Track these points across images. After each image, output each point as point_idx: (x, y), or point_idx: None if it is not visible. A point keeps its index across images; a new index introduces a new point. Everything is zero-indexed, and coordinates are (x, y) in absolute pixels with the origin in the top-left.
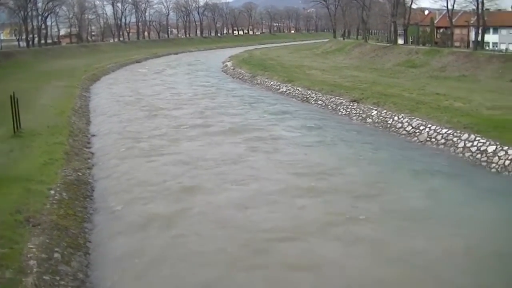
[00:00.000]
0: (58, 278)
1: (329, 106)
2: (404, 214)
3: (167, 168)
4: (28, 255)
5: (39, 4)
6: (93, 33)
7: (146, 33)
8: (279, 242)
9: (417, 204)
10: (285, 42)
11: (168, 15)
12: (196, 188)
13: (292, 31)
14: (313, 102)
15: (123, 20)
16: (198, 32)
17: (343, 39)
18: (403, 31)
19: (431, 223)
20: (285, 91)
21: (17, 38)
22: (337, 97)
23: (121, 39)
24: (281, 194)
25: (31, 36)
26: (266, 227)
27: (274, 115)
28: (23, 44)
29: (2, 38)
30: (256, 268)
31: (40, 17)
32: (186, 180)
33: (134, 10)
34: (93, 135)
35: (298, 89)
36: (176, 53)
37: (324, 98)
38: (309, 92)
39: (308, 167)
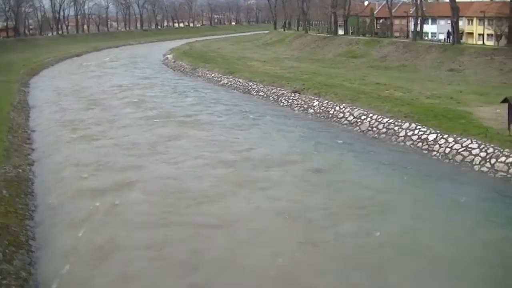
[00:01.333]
0: (0, 277)
1: (271, 97)
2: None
3: (106, 155)
4: None
5: None
6: (30, 27)
7: (85, 27)
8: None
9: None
10: (226, 34)
11: (107, 8)
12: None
13: (233, 23)
14: (255, 93)
15: (61, 13)
16: (139, 25)
17: (284, 30)
18: (343, 22)
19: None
20: (227, 83)
21: None
22: (278, 88)
23: (59, 32)
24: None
25: None
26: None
27: (211, 105)
28: None
29: None
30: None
31: None
32: (122, 162)
33: (72, 3)
34: (33, 130)
35: (239, 81)
36: (117, 47)
37: (265, 90)
38: (250, 83)
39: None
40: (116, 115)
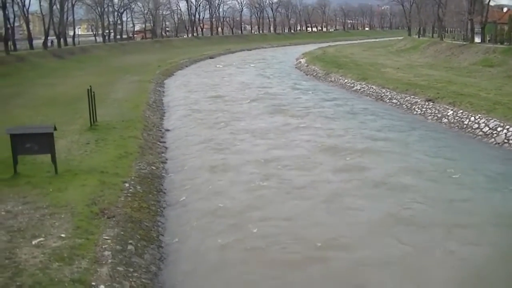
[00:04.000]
0: (131, 270)
1: (404, 105)
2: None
3: (242, 166)
4: (103, 246)
5: (115, 0)
6: (167, 29)
7: (219, 29)
8: None
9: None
10: (359, 40)
11: (241, 11)
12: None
13: (366, 28)
14: (388, 100)
15: (196, 16)
16: (272, 28)
17: (418, 37)
18: (480, 29)
19: None
20: (359, 89)
21: (94, 33)
22: (412, 96)
23: (194, 34)
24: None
25: (107, 31)
26: None
27: (349, 113)
28: (99, 39)
29: (79, 33)
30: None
31: (116, 13)
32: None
33: (208, 6)
34: (167, 130)
35: (372, 87)
36: (249, 49)
37: (398, 97)
38: (383, 90)
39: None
40: (255, 122)
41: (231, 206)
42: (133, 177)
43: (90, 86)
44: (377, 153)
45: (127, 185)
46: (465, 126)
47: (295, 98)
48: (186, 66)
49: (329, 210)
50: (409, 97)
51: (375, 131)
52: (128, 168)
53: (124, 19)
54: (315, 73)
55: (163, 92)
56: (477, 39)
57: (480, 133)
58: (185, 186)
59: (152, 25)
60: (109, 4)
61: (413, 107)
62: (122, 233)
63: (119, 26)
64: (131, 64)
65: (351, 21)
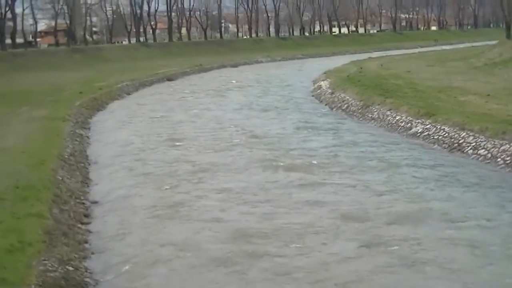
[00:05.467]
0: None
1: (500, 160)
2: None
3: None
4: None
5: None
6: (94, 29)
7: (183, 31)
8: None
9: None
10: (420, 47)
11: (220, 2)
12: None
13: (433, 28)
14: (470, 151)
15: (145, 8)
16: (272, 29)
17: None
18: None
19: None
20: (421, 132)
21: None
22: None
23: (141, 39)
24: None
25: None
26: None
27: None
28: None
29: None
30: None
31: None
32: None
33: None
34: (94, 202)
35: (443, 129)
36: (235, 65)
37: (489, 145)
38: (463, 134)
39: None
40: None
41: None
42: (33, 287)
43: None
44: None
45: None
46: None
47: (305, 152)
48: (128, 94)
49: None
50: (508, 146)
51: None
52: (25, 269)
53: (19, 10)
54: (346, 105)
55: (88, 137)
56: None
57: None
58: None
59: (68, 22)
60: None
61: None
62: None
63: (10, 24)
64: (32, 89)
65: (407, 16)
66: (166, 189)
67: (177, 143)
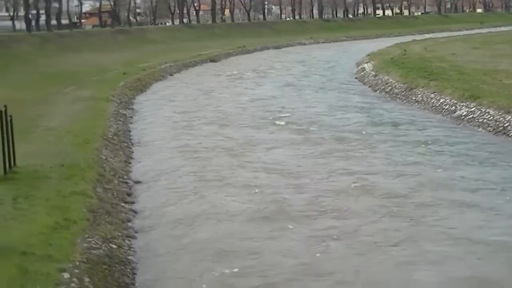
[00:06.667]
0: None
1: None
2: None
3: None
4: None
5: None
6: (138, 11)
7: (227, 12)
8: None
9: None
10: (465, 30)
11: None
12: None
13: (479, 10)
14: None
15: None
16: (315, 11)
17: None
18: None
19: None
20: (465, 115)
21: (11, 15)
22: None
23: (184, 21)
24: None
25: (34, 13)
26: None
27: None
28: (20, 25)
29: None
30: None
31: None
32: None
33: None
34: (137, 182)
35: (488, 112)
36: (278, 47)
37: None
38: (508, 117)
39: None
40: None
41: None
42: (77, 263)
43: (5, 105)
44: None
45: (67, 277)
46: None
47: (352, 133)
48: (171, 75)
49: None
50: None
51: None
52: (70, 247)
53: None
54: (389, 88)
55: (132, 117)
56: None
57: None
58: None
59: (112, 4)
60: None
61: None
62: None
63: (55, 5)
64: (77, 70)
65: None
66: (204, 165)
67: (217, 122)
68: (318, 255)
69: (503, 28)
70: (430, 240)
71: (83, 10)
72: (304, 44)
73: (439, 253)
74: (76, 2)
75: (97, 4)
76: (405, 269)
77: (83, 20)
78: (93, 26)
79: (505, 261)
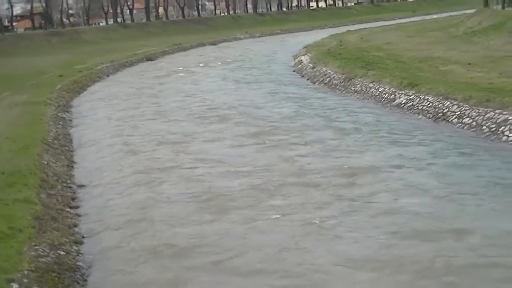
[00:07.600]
0: None
1: (485, 127)
2: None
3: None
4: None
5: None
6: (70, 12)
7: (161, 10)
8: None
9: None
10: (398, 18)
11: None
12: None
13: None
14: (455, 120)
15: None
16: (249, 5)
17: (503, 8)
18: None
19: None
20: (404, 103)
21: None
22: (498, 111)
23: (118, 20)
24: None
25: None
26: None
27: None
28: None
29: None
30: None
31: None
32: None
33: None
34: (81, 186)
35: (427, 99)
36: (214, 43)
37: (474, 113)
38: (446, 103)
39: None
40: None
41: None
42: (26, 273)
43: None
44: None
45: None
46: None
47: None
48: (107, 76)
49: None
50: (493, 113)
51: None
52: (17, 256)
53: None
54: (328, 79)
55: (71, 120)
56: None
57: None
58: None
59: (44, 5)
60: None
61: (502, 129)
62: None
63: None
64: (11, 74)
65: None
66: (146, 162)
67: (155, 118)
68: None
69: (434, 16)
70: None
71: (14, 13)
72: (240, 39)
73: None
74: (6, 5)
75: (28, 7)
76: None
77: (14, 23)
78: (25, 29)
79: None
